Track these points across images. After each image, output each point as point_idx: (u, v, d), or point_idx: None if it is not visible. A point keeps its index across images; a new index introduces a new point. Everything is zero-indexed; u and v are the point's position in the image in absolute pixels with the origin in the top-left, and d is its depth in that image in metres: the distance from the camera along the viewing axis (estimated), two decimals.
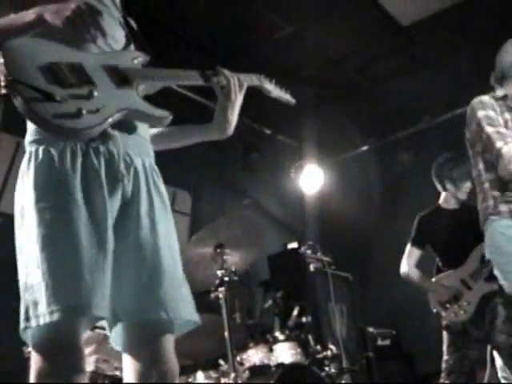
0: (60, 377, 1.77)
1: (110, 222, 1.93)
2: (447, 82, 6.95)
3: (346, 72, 6.45)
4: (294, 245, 5.84)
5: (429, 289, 4.67)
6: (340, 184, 7.87)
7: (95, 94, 1.90)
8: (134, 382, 1.95)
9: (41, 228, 1.85)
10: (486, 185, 3.29)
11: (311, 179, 7.41)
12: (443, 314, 4.57)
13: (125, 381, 1.99)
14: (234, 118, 2.38)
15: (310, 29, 5.90)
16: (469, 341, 4.46)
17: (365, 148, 7.75)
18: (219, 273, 3.55)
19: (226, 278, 3.56)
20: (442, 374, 4.46)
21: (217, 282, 3.55)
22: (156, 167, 2.17)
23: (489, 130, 3.19)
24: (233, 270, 3.59)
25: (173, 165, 3.95)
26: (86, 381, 1.89)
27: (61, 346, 1.81)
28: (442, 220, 4.77)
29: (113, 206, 1.96)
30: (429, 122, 7.36)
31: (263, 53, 5.92)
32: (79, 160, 1.93)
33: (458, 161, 4.78)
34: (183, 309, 1.99)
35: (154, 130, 2.32)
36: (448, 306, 4.55)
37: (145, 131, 2.17)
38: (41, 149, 1.95)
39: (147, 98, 2.09)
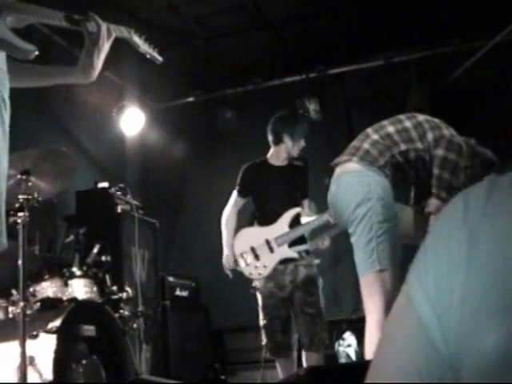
0: None
1: None
2: (283, 49, 7.10)
3: (184, 19, 6.34)
4: (104, 184, 5.74)
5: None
6: (162, 131, 7.82)
7: None
8: None
9: None
10: None
11: (132, 122, 7.28)
12: (242, 265, 4.67)
13: None
14: (98, 64, 2.50)
15: None
16: (275, 301, 4.63)
17: (190, 99, 7.72)
18: (21, 197, 3.41)
19: (27, 204, 3.42)
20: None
21: (17, 206, 3.40)
22: (7, 99, 2.27)
23: None
24: (36, 196, 3.46)
25: None
26: None
27: None
28: (266, 174, 4.83)
29: None
30: (258, 85, 7.48)
31: None
32: None
33: (298, 118, 4.98)
34: None
35: (15, 67, 2.33)
36: (249, 262, 4.66)
37: (2, 61, 2.18)
38: None
39: (15, 31, 2.11)
